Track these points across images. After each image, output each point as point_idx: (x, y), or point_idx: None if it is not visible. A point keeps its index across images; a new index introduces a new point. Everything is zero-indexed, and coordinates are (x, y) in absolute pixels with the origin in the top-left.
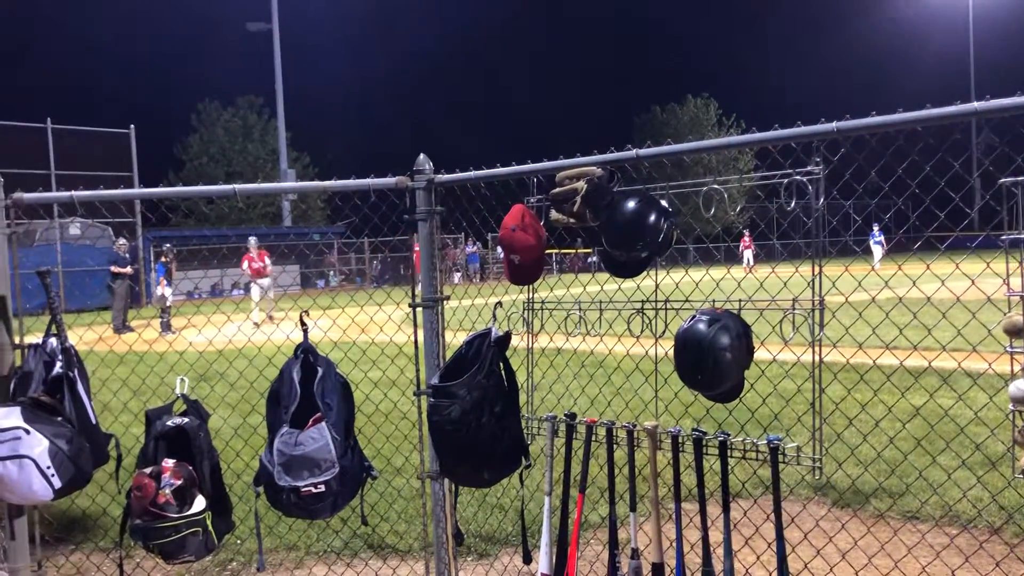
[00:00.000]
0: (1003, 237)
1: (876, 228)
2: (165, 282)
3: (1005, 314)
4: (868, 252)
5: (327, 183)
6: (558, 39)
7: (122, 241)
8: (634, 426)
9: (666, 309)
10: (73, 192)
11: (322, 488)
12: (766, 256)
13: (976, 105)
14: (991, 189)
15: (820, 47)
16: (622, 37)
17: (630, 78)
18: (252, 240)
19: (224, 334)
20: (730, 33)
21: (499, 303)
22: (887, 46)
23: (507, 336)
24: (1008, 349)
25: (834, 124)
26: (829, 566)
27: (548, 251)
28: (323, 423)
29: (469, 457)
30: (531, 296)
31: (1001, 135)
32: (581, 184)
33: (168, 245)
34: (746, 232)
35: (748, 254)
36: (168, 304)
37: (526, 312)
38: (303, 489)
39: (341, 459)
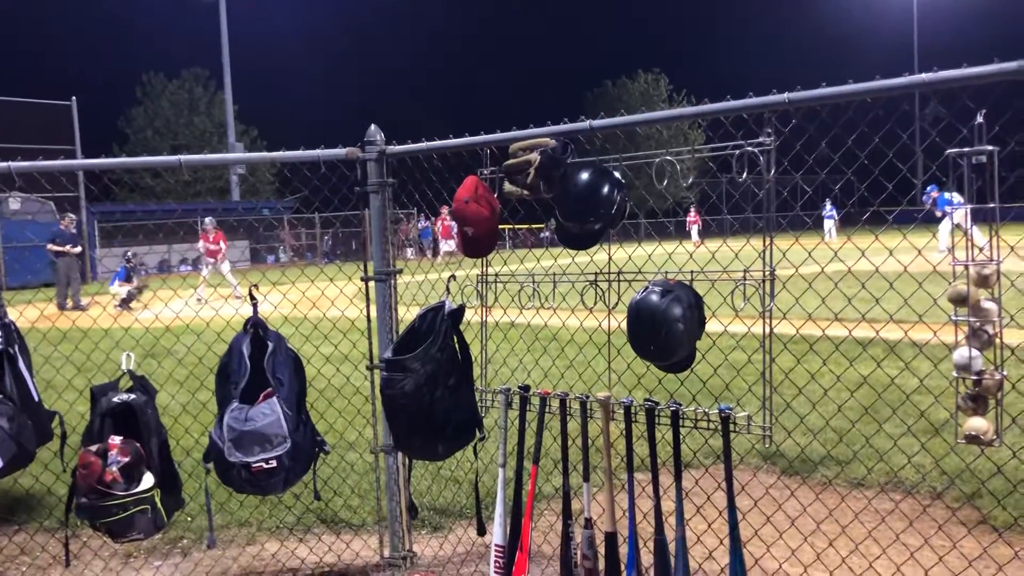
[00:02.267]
0: (946, 208)
1: (828, 203)
2: (122, 283)
3: (950, 283)
4: (819, 225)
5: (275, 154)
6: (510, 11)
7: (71, 216)
8: (587, 397)
9: (619, 281)
10: (11, 163)
11: (273, 463)
12: (717, 228)
13: (924, 76)
14: (938, 160)
15: (770, 24)
16: (576, 11)
17: (583, 53)
18: (209, 220)
19: (171, 309)
20: (681, 9)
21: (452, 276)
22: (836, 21)
23: (461, 309)
24: (952, 318)
25: (785, 95)
26: (779, 532)
27: (501, 226)
28: (274, 398)
29: (423, 430)
30: (484, 269)
31: (948, 107)
32: (534, 156)
33: (130, 252)
34: (693, 207)
35: (695, 229)
36: (126, 298)
37: (480, 285)
38: (254, 465)
39: (293, 434)
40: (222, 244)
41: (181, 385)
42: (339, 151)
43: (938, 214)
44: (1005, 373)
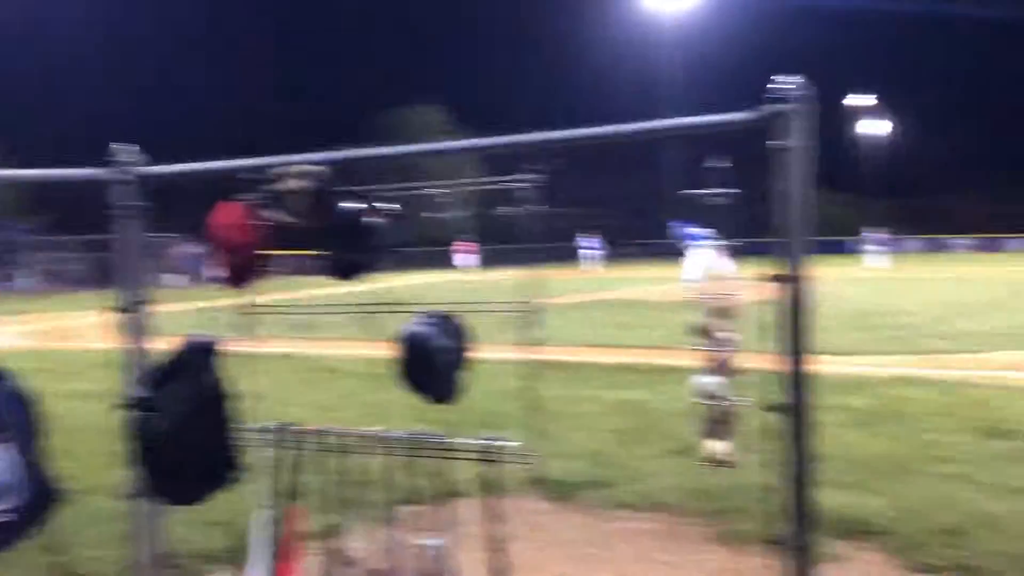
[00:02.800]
0: (692, 242)
1: (589, 236)
2: None
3: (693, 316)
4: (579, 258)
5: (8, 172)
6: (289, 29)
7: None
8: (349, 432)
9: (388, 313)
10: None
11: (3, 517)
12: (489, 261)
13: (669, 122)
14: (683, 199)
15: (544, 61)
16: (354, 39)
17: (360, 81)
18: None
19: None
20: (463, 42)
21: (214, 308)
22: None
23: (218, 343)
24: (694, 347)
25: (545, 134)
26: (544, 558)
27: (268, 252)
28: (2, 444)
29: (177, 473)
30: (248, 300)
31: (694, 151)
32: (303, 183)
33: None
34: (462, 238)
35: (463, 259)
36: None
37: (243, 316)
38: None
39: (27, 482)
40: None
41: None
42: (83, 171)
43: (685, 246)
44: (739, 400)
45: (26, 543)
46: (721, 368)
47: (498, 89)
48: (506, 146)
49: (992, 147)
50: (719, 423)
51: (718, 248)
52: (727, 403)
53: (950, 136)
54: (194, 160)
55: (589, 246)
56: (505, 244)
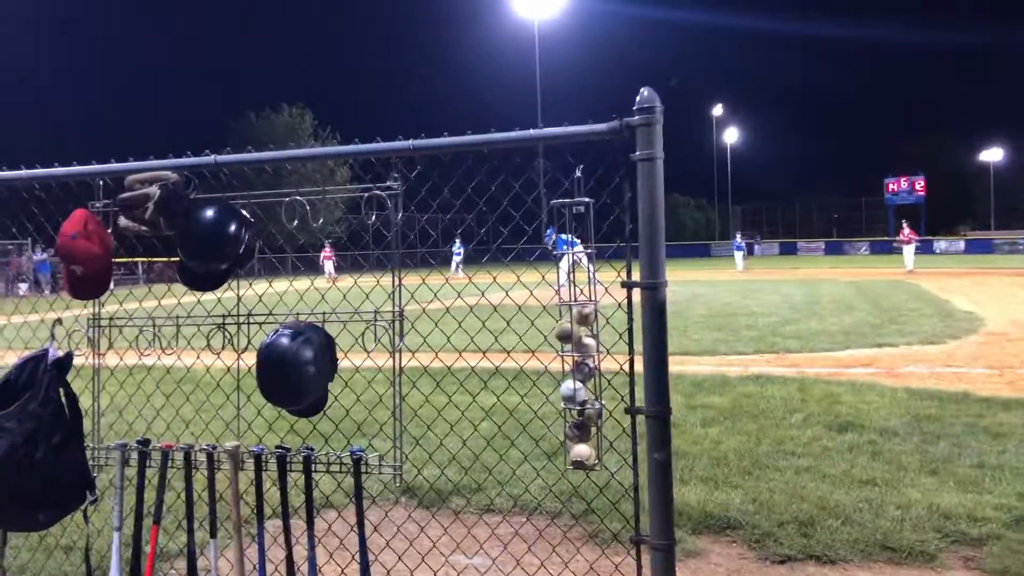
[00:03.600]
0: (554, 253)
1: (457, 241)
2: None
3: (557, 321)
4: (447, 262)
5: None
6: (146, 33)
7: None
8: (214, 448)
9: (248, 324)
10: None
11: None
12: (350, 267)
13: (532, 132)
14: (545, 209)
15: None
16: (216, 37)
17: (224, 81)
18: None
19: None
20: (329, 45)
21: (58, 320)
22: (473, 77)
23: (68, 357)
24: (560, 353)
25: (410, 142)
26: (410, 570)
27: (120, 260)
28: None
29: (20, 498)
30: (98, 311)
31: (555, 160)
32: (154, 189)
33: None
34: (327, 243)
35: (329, 265)
36: None
37: (91, 329)
38: None
39: None
40: None
41: None
42: None
43: (556, 254)
44: (603, 403)
45: None
46: (584, 372)
47: (364, 91)
48: (373, 152)
49: (836, 155)
50: (584, 426)
51: (582, 254)
52: (591, 407)
53: (795, 145)
54: (43, 164)
55: (457, 252)
56: (366, 251)
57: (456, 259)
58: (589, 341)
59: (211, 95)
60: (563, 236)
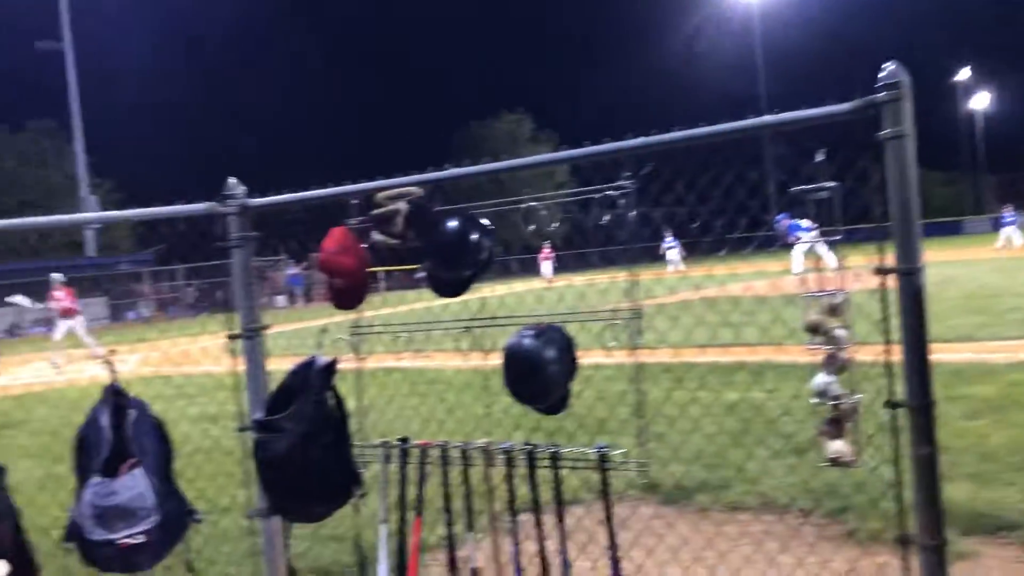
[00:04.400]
0: (797, 234)
1: (669, 234)
2: None
3: (801, 312)
4: (668, 259)
5: (132, 212)
6: (366, 55)
7: None
8: (468, 445)
9: (492, 326)
10: None
11: (141, 538)
12: (584, 266)
13: (767, 119)
14: (784, 198)
15: (629, 65)
16: (434, 52)
17: (445, 94)
18: (57, 276)
19: (23, 378)
20: (542, 51)
21: (324, 328)
22: (685, 68)
23: (334, 362)
24: (809, 346)
25: (641, 139)
26: (659, 565)
27: (373, 269)
28: (138, 468)
29: (299, 492)
30: (357, 319)
31: (793, 145)
32: (402, 204)
33: None
34: (545, 244)
35: (547, 266)
36: None
37: (353, 336)
38: (120, 542)
39: (160, 505)
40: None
41: (36, 459)
42: (198, 207)
43: (791, 240)
44: (859, 397)
45: (162, 563)
46: (837, 365)
47: (573, 92)
48: (604, 154)
49: None
50: (839, 421)
51: (822, 241)
52: (846, 401)
53: None
54: (292, 187)
55: (671, 245)
56: (586, 249)
57: (672, 253)
58: (840, 332)
59: (435, 106)
60: (797, 222)
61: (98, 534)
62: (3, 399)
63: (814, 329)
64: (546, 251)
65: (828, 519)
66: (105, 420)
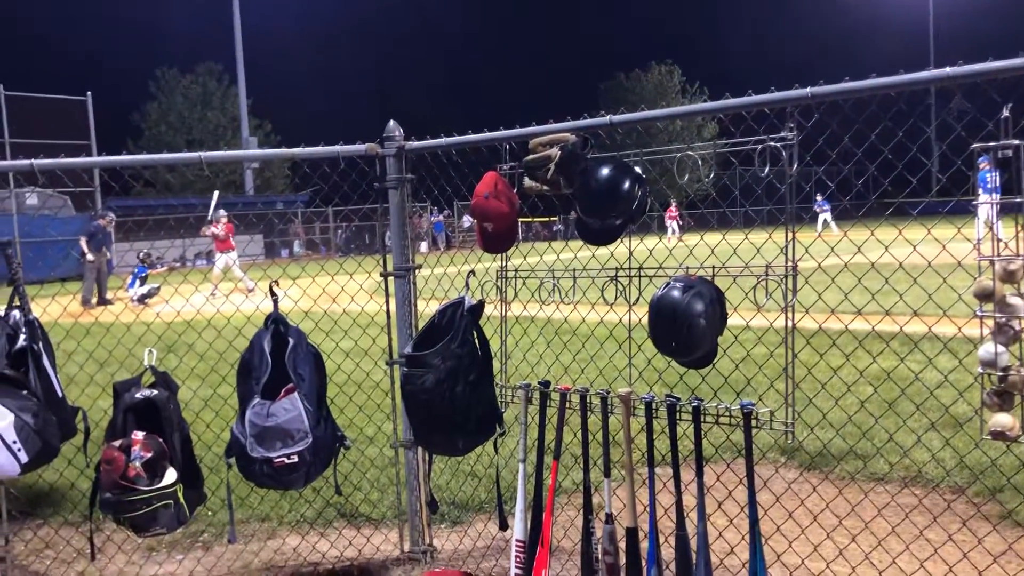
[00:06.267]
0: (973, 203)
1: (819, 196)
2: (140, 283)
3: (975, 278)
4: (813, 220)
5: (295, 151)
6: (521, 5)
7: (111, 216)
8: (608, 393)
9: (639, 276)
10: (33, 160)
11: (295, 459)
12: (740, 223)
13: (949, 70)
14: (962, 155)
15: (782, 16)
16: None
17: (593, 45)
18: (222, 213)
19: (192, 304)
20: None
21: (472, 271)
22: (849, 16)
23: (480, 305)
24: (978, 313)
25: (808, 90)
26: (800, 528)
27: (523, 218)
28: (295, 394)
29: (443, 426)
30: (504, 264)
31: (970, 101)
32: (554, 151)
33: (143, 252)
34: (673, 202)
35: (673, 224)
36: (146, 294)
37: (499, 280)
38: (276, 460)
39: (314, 429)
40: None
41: (202, 380)
42: (359, 147)
43: (976, 203)
44: None
45: (313, 484)
46: (1009, 335)
47: (726, 44)
48: (767, 103)
49: None
50: (1005, 396)
51: (1000, 205)
52: (1015, 374)
53: None
54: (446, 134)
55: (822, 208)
56: (756, 207)
57: (823, 216)
58: (1015, 300)
59: (583, 56)
60: (987, 173)
61: (257, 451)
62: (174, 324)
63: (986, 295)
64: (672, 210)
65: (983, 497)
66: (267, 347)
